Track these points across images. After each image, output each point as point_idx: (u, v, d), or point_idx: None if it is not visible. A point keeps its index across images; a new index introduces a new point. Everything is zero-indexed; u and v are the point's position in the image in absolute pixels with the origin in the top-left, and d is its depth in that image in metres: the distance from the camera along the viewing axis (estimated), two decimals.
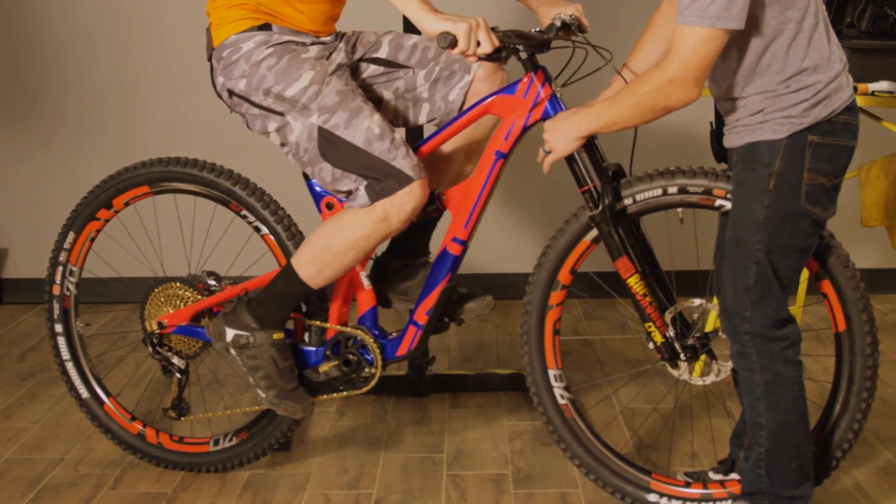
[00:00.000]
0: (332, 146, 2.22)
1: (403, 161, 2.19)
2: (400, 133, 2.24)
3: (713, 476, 2.35)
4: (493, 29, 2.12)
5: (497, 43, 2.11)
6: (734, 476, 2.32)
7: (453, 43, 2.07)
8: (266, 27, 2.29)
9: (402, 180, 2.19)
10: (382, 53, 2.41)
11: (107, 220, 2.59)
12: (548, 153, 2.18)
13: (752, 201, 2.04)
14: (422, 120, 2.42)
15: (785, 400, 2.09)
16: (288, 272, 2.33)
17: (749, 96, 2.03)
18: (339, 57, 2.37)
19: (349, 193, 2.27)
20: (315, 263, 2.29)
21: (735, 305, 2.08)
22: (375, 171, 2.20)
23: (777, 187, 2.01)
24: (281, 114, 2.27)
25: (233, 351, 2.37)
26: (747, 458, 2.23)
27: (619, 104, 2.05)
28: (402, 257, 2.49)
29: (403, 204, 2.20)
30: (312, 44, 2.34)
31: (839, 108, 2.00)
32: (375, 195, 2.21)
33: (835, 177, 2.04)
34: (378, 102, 2.41)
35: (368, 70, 2.42)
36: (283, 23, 2.30)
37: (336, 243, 2.26)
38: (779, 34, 1.97)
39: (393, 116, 2.43)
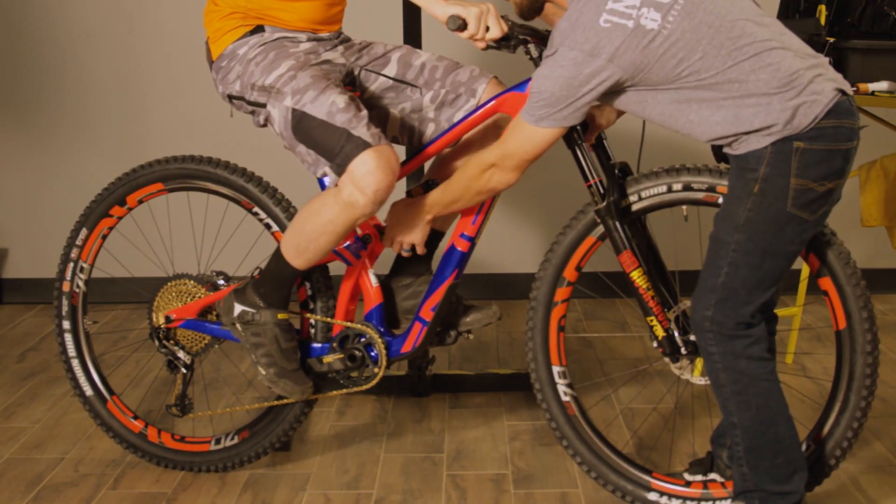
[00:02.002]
0: (301, 124, 2.23)
1: (362, 129, 2.18)
2: (366, 112, 2.24)
3: (689, 477, 2.35)
4: (503, 17, 2.15)
5: (506, 29, 2.14)
6: (714, 476, 2.33)
7: (462, 26, 2.11)
8: (258, 29, 2.33)
9: (359, 146, 2.17)
10: (390, 71, 2.42)
11: (120, 218, 2.61)
12: (409, 250, 2.39)
13: (735, 204, 2.04)
14: (428, 138, 2.43)
15: (755, 397, 2.09)
16: (277, 254, 2.36)
17: (727, 135, 2.03)
18: (332, 55, 2.38)
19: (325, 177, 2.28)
20: (294, 246, 2.31)
21: (699, 303, 2.09)
22: (337, 141, 2.19)
23: (762, 192, 2.01)
24: (264, 105, 2.30)
25: (238, 326, 2.40)
26: (732, 458, 2.23)
27: (452, 187, 2.25)
28: (406, 277, 2.50)
29: (363, 181, 2.16)
30: (308, 40, 2.36)
31: (821, 113, 1.97)
32: (339, 168, 2.20)
33: (828, 180, 2.02)
34: (385, 117, 2.43)
35: (377, 82, 2.43)
36: (275, 23, 2.33)
37: (308, 227, 2.28)
38: (710, 90, 1.99)
39: (399, 133, 2.45)
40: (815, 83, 1.98)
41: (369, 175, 2.16)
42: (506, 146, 2.14)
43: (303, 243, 2.29)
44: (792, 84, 1.97)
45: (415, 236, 2.36)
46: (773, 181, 2.00)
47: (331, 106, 2.20)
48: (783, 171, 1.99)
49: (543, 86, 2.04)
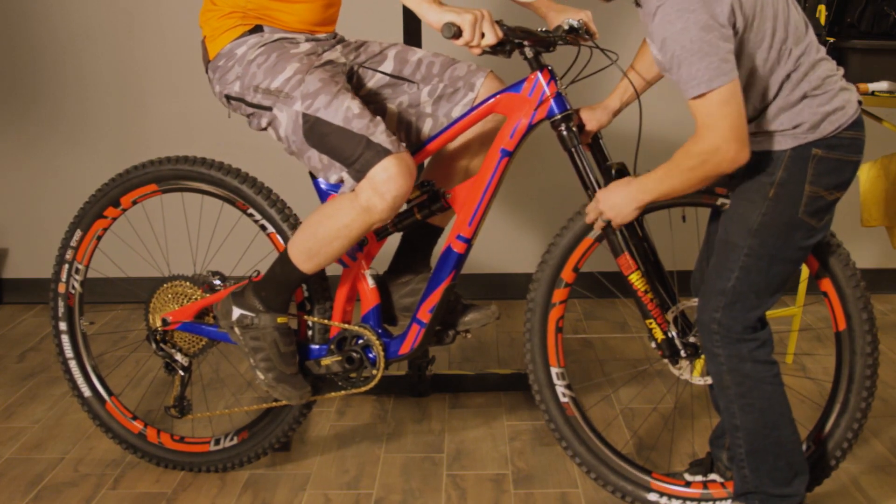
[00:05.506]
0: (314, 130, 2.23)
1: (381, 136, 2.18)
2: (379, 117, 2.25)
3: (689, 477, 2.35)
4: (497, 22, 2.14)
5: (501, 35, 2.13)
6: (713, 477, 2.33)
7: (458, 34, 2.10)
8: (257, 29, 2.33)
9: (380, 153, 2.17)
10: (387, 68, 2.42)
11: (114, 219, 2.60)
12: (607, 222, 2.17)
13: (749, 207, 2.04)
14: (425, 134, 2.43)
15: (759, 400, 2.09)
16: (283, 257, 2.35)
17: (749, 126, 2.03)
18: (333, 55, 2.39)
19: (340, 183, 2.28)
20: (305, 250, 2.30)
21: (707, 304, 2.09)
22: (355, 147, 2.18)
23: (777, 196, 2.02)
24: (269, 108, 2.29)
25: (237, 330, 2.39)
26: (732, 459, 2.23)
27: (671, 178, 2.01)
28: (404, 274, 2.49)
29: (384, 187, 2.16)
30: (306, 40, 2.36)
31: (845, 123, 2.01)
32: (357, 174, 2.19)
33: (837, 190, 2.04)
34: (382, 113, 2.43)
35: (374, 79, 2.42)
36: (273, 23, 2.33)
37: (322, 231, 2.27)
38: (767, 78, 1.98)
39: (396, 129, 2.44)
40: (843, 93, 2.01)
41: (391, 181, 2.16)
42: (711, 127, 1.89)
43: (314, 247, 2.28)
44: (824, 88, 1.99)
45: (620, 216, 2.13)
46: (788, 186, 2.01)
47: (346, 111, 2.20)
48: (799, 177, 2.00)
49: (685, 38, 1.85)
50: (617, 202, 2.11)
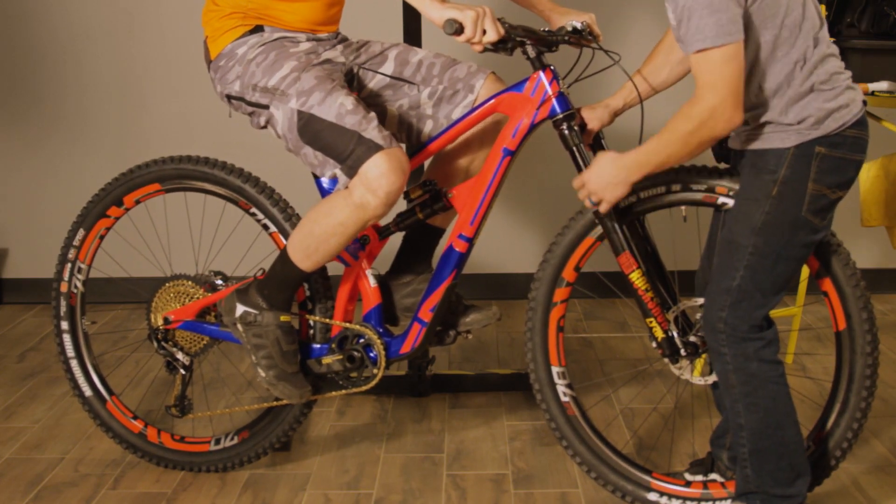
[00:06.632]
0: (308, 126, 2.23)
1: (373, 132, 2.19)
2: (373, 113, 2.25)
3: (689, 477, 2.35)
4: (499, 20, 2.14)
5: (502, 32, 2.13)
6: (714, 477, 2.33)
7: (459, 30, 2.10)
8: (258, 29, 2.34)
9: (371, 148, 2.17)
10: (388, 69, 2.42)
11: (117, 218, 2.60)
12: (596, 204, 2.13)
13: (752, 206, 2.05)
14: (426, 136, 2.43)
15: (763, 400, 2.09)
16: (283, 256, 2.35)
17: (755, 114, 2.03)
18: (332, 54, 2.39)
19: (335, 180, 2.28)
20: (302, 248, 2.31)
21: (713, 304, 2.09)
22: (347, 143, 2.18)
23: (780, 194, 2.02)
24: (266, 106, 2.30)
25: (240, 327, 2.39)
26: (732, 459, 2.23)
27: (667, 146, 2.00)
28: (406, 274, 2.50)
29: (376, 183, 2.16)
30: (308, 40, 2.37)
31: (850, 121, 2.01)
32: (349, 170, 2.20)
33: (839, 189, 2.04)
34: (383, 115, 2.43)
35: (375, 80, 2.43)
36: (274, 23, 2.34)
37: (318, 229, 2.27)
38: (775, 59, 1.98)
39: (397, 130, 2.45)
40: (849, 91, 2.02)
41: (382, 177, 2.16)
42: (710, 84, 1.91)
43: (312, 245, 2.29)
44: (832, 84, 1.99)
45: (613, 195, 2.10)
46: (791, 184, 2.01)
47: (339, 108, 2.20)
48: (802, 175, 2.01)
49: None
50: (609, 180, 2.08)
